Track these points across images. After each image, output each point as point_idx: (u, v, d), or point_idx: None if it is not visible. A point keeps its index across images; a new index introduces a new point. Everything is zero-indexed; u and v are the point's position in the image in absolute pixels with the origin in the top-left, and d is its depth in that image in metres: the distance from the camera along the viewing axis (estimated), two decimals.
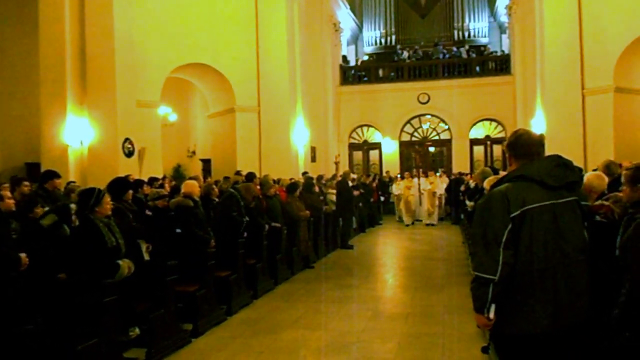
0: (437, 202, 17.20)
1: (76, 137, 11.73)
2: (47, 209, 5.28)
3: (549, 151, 3.04)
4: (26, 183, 7.01)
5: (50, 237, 4.98)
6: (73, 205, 5.61)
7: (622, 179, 3.41)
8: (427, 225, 16.42)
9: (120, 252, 4.91)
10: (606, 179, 4.59)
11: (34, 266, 4.50)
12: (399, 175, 19.13)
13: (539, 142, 2.93)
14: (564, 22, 14.63)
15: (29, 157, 13.38)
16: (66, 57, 11.67)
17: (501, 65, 23.25)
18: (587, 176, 4.58)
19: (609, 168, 5.61)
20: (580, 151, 14.08)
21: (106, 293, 4.51)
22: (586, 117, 14.46)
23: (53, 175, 7.45)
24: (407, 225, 16.67)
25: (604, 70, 14.06)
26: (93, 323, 4.38)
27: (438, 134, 24.28)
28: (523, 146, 2.90)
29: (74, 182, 9.73)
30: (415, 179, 17.59)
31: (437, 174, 18.43)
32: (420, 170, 18.49)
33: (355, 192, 13.76)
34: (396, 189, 17.72)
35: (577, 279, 2.76)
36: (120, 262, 4.78)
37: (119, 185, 6.27)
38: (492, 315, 2.69)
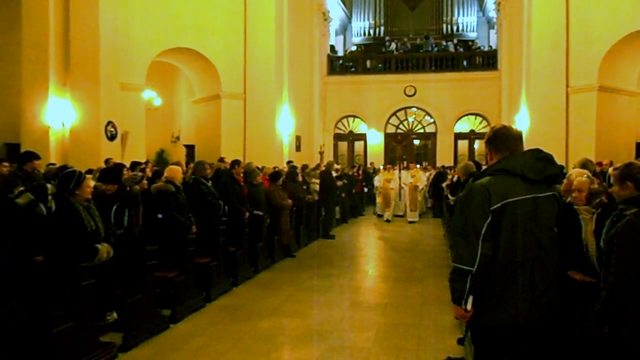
0: (419, 197, 16.09)
1: (58, 118, 11.58)
2: (21, 189, 5.20)
3: (532, 147, 3.07)
4: (5, 164, 6.91)
5: (25, 215, 4.91)
6: (49, 185, 5.54)
7: (612, 179, 3.49)
8: (409, 222, 15.23)
9: (99, 236, 4.87)
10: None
11: (10, 247, 4.45)
12: (381, 167, 18.42)
13: (517, 135, 2.96)
14: (551, 20, 14.75)
15: (9, 137, 13.16)
16: (49, 37, 11.50)
17: (488, 60, 23.41)
18: (572, 173, 4.67)
19: (585, 166, 5.73)
20: (562, 148, 14.26)
21: (83, 277, 4.47)
22: (569, 115, 14.63)
23: (32, 156, 7.35)
24: (387, 221, 15.39)
25: (589, 69, 14.21)
26: (69, 307, 4.35)
27: (423, 127, 24.38)
28: (502, 140, 2.92)
29: (54, 164, 9.61)
30: (396, 172, 16.35)
31: (418, 166, 17.44)
32: (404, 162, 18.12)
33: (339, 183, 13.76)
34: (377, 180, 16.56)
35: (552, 271, 2.83)
36: (99, 246, 4.74)
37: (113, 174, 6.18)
38: (469, 306, 2.72)
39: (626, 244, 2.96)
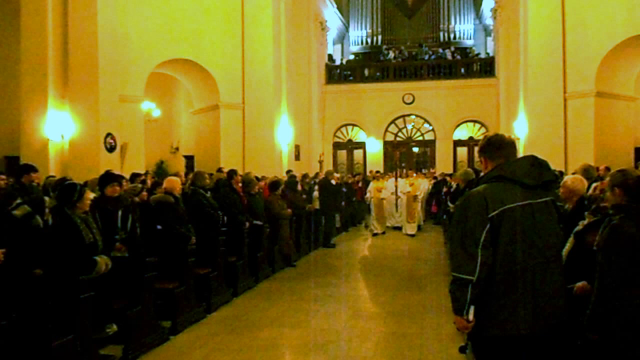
0: (418, 207, 14.78)
1: (57, 130, 11.58)
2: (18, 201, 5.19)
3: (531, 154, 3.08)
4: (2, 177, 6.89)
5: (23, 227, 4.90)
6: (47, 198, 5.53)
7: (606, 186, 3.51)
8: (409, 235, 14.01)
9: (98, 248, 4.85)
10: (586, 183, 4.68)
11: (8, 260, 4.43)
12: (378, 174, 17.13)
13: (510, 143, 2.96)
14: (548, 26, 14.80)
15: (8, 150, 13.16)
16: (48, 50, 11.51)
17: (485, 67, 23.49)
18: (571, 179, 4.66)
19: (586, 172, 5.72)
20: (561, 154, 14.26)
21: (82, 289, 4.45)
22: (567, 121, 14.64)
23: (29, 169, 7.34)
24: (375, 235, 14.26)
25: (586, 75, 14.24)
26: (69, 319, 4.32)
27: (422, 134, 24.42)
28: (496, 147, 2.92)
29: (53, 176, 9.60)
30: (391, 180, 15.14)
31: (415, 175, 16.25)
32: (404, 170, 17.73)
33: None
34: (368, 190, 15.28)
35: (555, 279, 2.78)
36: (97, 258, 4.72)
37: (101, 179, 6.15)
38: (471, 317, 2.68)
39: (611, 249, 2.97)
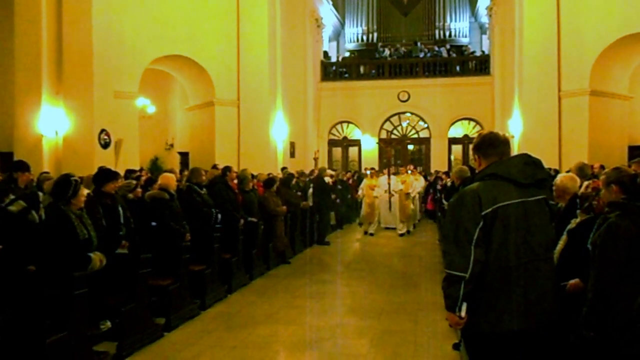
0: (411, 206, 14.34)
1: (51, 127, 11.52)
2: (12, 197, 5.18)
3: (525, 152, 3.09)
4: None
5: (18, 223, 4.88)
6: (41, 193, 5.52)
7: (600, 183, 3.53)
8: (401, 235, 13.56)
9: (92, 244, 4.84)
10: (579, 181, 4.69)
11: (3, 255, 4.41)
12: (368, 172, 15.84)
13: (504, 141, 2.97)
14: (543, 25, 14.85)
15: (2, 146, 13.09)
16: (42, 45, 11.45)
17: (481, 65, 23.51)
18: (561, 177, 4.67)
19: (581, 170, 5.73)
20: (555, 152, 14.32)
21: (76, 286, 4.44)
22: (562, 119, 14.70)
23: (19, 166, 7.29)
24: (368, 234, 13.85)
25: (580, 74, 14.31)
26: (63, 316, 4.31)
27: (417, 132, 24.44)
28: (489, 145, 2.94)
29: (47, 172, 9.54)
30: (384, 178, 14.42)
31: (409, 172, 15.49)
32: (398, 167, 17.53)
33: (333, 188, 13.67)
34: (360, 188, 14.78)
35: (546, 277, 2.80)
36: (91, 254, 4.71)
37: (101, 175, 6.14)
38: (463, 313, 2.70)
39: (607, 246, 2.99)
